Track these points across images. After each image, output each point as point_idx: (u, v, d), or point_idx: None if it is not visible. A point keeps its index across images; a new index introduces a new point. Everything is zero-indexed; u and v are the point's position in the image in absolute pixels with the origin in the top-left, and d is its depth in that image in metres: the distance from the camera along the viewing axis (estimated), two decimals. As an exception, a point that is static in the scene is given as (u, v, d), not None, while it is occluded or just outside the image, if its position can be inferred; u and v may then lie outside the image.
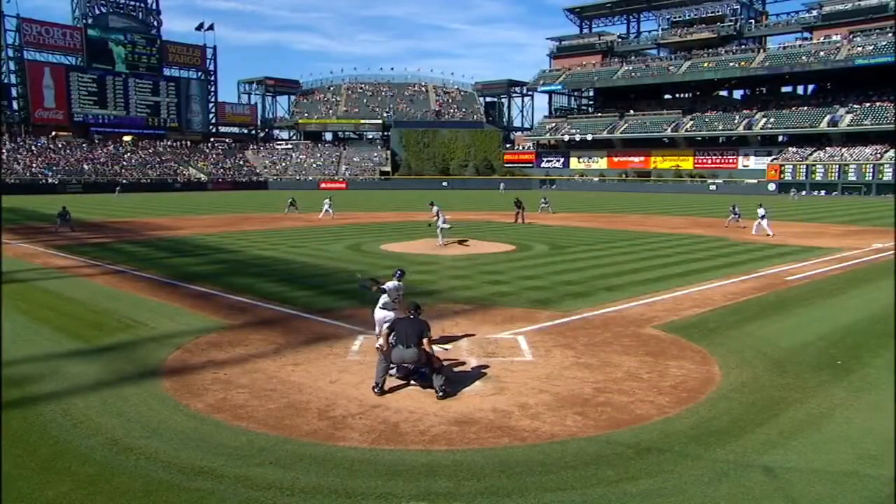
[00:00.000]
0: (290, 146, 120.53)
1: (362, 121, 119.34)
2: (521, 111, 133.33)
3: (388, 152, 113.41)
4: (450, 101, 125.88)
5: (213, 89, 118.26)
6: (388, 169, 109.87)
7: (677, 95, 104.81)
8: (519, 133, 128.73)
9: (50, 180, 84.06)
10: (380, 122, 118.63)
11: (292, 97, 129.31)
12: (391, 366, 8.77)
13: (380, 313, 9.90)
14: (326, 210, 39.06)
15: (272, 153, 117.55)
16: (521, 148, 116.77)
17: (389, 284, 10.10)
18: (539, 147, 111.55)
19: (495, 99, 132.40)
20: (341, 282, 16.62)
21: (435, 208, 24.84)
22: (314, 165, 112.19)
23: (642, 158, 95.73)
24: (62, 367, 9.52)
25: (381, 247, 24.35)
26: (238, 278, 17.19)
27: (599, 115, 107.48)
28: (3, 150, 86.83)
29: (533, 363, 9.94)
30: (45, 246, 24.59)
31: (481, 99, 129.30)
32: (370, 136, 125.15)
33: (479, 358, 10.17)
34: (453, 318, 12.57)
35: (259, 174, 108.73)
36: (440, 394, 8.47)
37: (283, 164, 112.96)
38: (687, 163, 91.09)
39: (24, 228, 31.80)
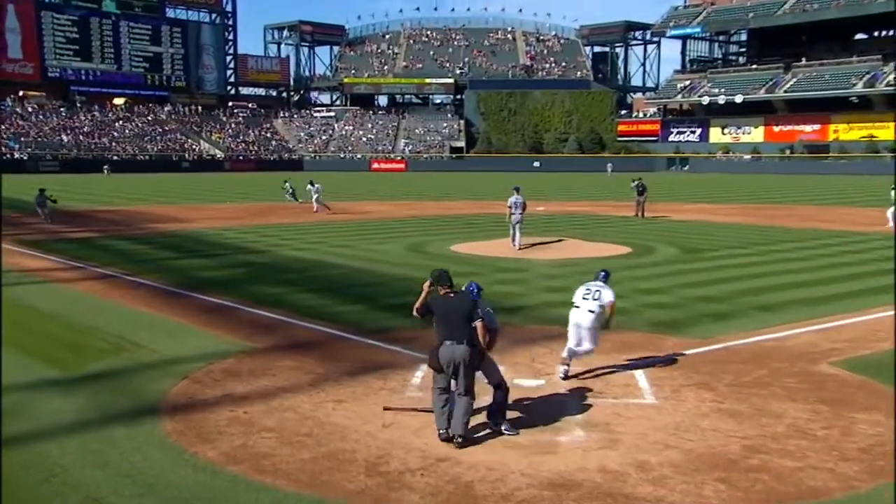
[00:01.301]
0: (332, 113, 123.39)
1: (428, 80, 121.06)
2: (643, 65, 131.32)
3: (462, 122, 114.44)
4: (545, 52, 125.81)
5: (231, 37, 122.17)
6: (462, 144, 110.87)
7: (876, 34, 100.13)
8: (639, 95, 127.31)
9: (17, 155, 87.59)
10: (451, 81, 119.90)
11: (336, 49, 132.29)
12: (446, 386, 8.80)
13: None
14: (316, 198, 38.58)
15: (309, 123, 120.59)
16: (641, 115, 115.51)
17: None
18: (667, 114, 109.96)
19: (607, 49, 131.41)
20: (400, 293, 16.82)
21: (513, 198, 24.69)
22: (364, 139, 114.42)
23: (817, 127, 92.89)
24: (31, 403, 9.89)
25: (451, 247, 24.64)
26: (264, 287, 17.68)
27: (755, 67, 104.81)
28: None
29: (656, 407, 9.79)
30: (13, 241, 25.83)
31: (588, 49, 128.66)
32: (438, 101, 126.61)
33: (581, 398, 10.10)
34: (547, 344, 12.53)
35: (292, 150, 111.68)
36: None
37: (324, 138, 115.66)
38: (887, 131, 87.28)
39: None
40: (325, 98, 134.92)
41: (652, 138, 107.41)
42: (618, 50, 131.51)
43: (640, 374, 11.08)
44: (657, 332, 13.52)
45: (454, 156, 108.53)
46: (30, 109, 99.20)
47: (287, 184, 44.08)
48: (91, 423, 9.22)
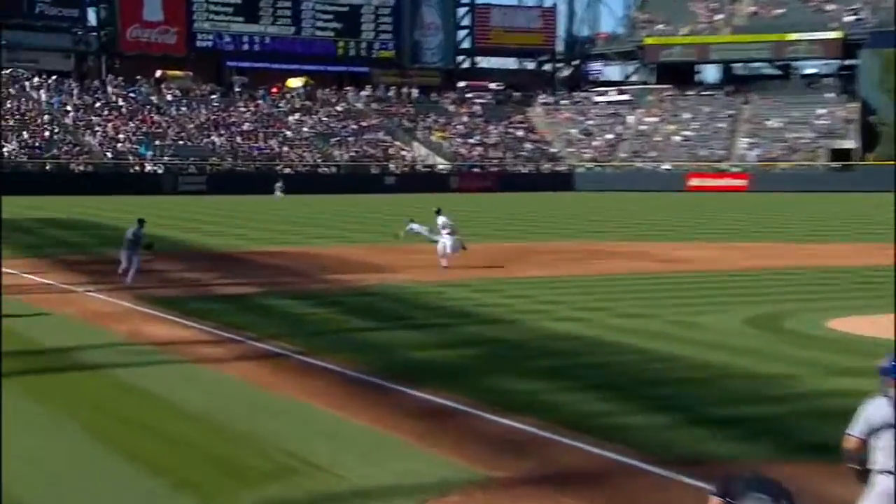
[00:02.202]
0: (624, 96, 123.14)
1: (791, 36, 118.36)
2: None
3: (856, 105, 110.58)
4: None
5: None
6: (852, 145, 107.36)
7: None
8: None
9: (149, 167, 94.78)
10: (835, 36, 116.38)
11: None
12: None
13: None
14: (444, 243, 36.30)
15: (585, 112, 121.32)
16: None
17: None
18: None
19: None
20: (735, 398, 16.62)
21: None
22: (677, 139, 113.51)
23: None
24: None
25: (827, 323, 23.98)
26: (509, 380, 17.93)
27: None
28: (68, 106, 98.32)
29: None
30: (136, 299, 27.77)
31: None
32: (809, 72, 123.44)
33: None
34: None
35: (556, 157, 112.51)
36: None
37: (609, 137, 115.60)
38: None
39: (99, 262, 36.09)
40: (612, 72, 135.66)
41: None
42: None
43: None
44: None
45: (838, 164, 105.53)
46: (169, 98, 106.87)
47: (413, 226, 42.51)
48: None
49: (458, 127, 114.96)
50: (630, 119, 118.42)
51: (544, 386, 17.54)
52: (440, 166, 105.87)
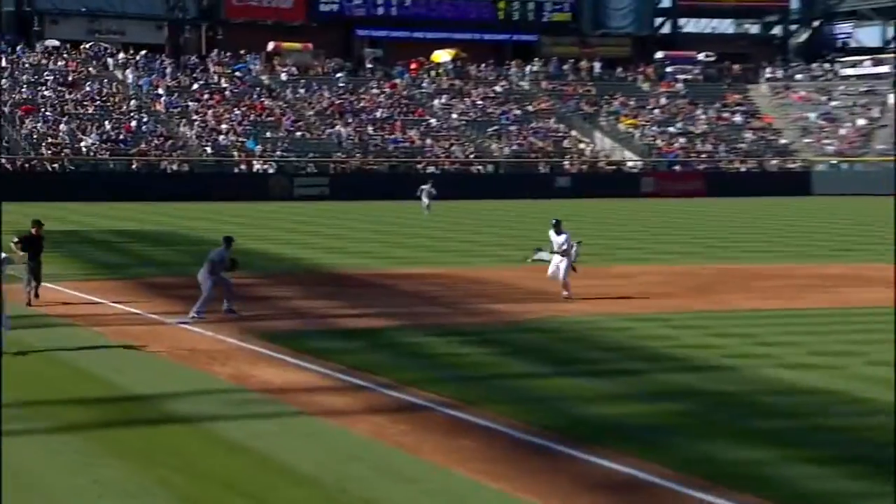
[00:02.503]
0: (885, 68, 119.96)
1: None
2: None
3: None
4: None
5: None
6: None
7: None
8: None
9: (257, 165, 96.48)
10: None
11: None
12: None
13: None
14: (556, 266, 36.35)
15: (827, 88, 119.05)
16: None
17: None
18: None
19: None
20: None
21: None
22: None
23: None
24: None
25: None
26: (718, 444, 17.73)
27: None
28: (160, 88, 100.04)
29: None
30: (241, 334, 28.17)
31: None
32: None
33: None
34: None
35: (786, 149, 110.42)
36: None
37: (861, 122, 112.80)
38: None
39: (196, 287, 36.79)
40: (868, 35, 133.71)
41: None
42: None
43: None
44: None
45: None
46: (284, 77, 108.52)
47: (542, 254, 42.32)
48: None
49: (654, 112, 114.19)
50: (891, 99, 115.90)
51: (768, 455, 17.17)
52: (629, 163, 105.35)
